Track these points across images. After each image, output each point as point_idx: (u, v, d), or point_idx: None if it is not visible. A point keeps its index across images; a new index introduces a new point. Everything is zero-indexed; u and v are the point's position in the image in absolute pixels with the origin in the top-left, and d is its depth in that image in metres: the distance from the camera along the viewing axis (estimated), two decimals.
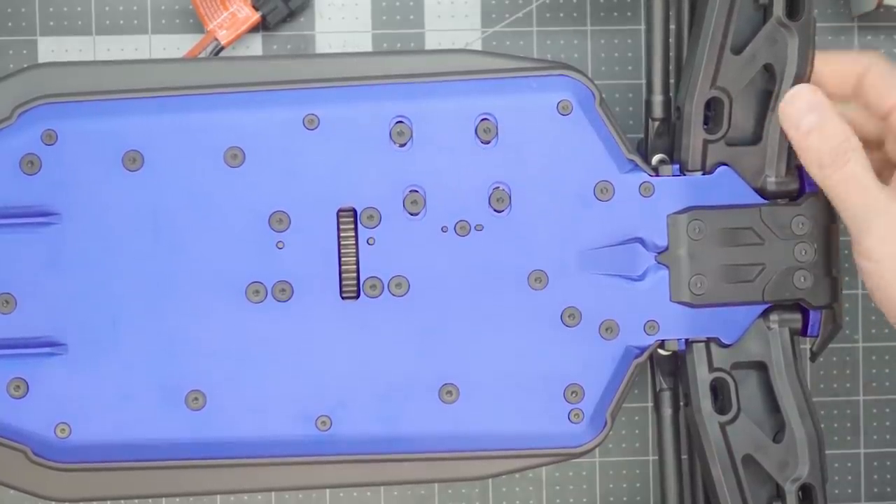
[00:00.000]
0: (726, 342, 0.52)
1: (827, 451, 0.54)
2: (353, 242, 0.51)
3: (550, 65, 0.52)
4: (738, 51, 0.52)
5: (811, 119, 0.46)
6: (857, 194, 0.47)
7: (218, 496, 0.61)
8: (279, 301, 0.51)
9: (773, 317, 0.53)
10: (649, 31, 0.54)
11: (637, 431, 0.61)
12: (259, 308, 0.51)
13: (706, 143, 0.52)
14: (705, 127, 0.52)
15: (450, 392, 0.51)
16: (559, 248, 0.52)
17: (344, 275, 0.51)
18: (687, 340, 0.52)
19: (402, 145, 0.51)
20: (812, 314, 0.52)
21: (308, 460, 0.52)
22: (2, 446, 0.51)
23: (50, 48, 0.60)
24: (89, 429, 0.51)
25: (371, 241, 0.51)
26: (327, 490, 0.61)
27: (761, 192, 0.52)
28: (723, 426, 0.52)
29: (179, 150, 0.51)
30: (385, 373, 0.51)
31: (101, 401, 0.51)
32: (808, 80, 0.51)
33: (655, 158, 0.53)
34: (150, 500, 0.59)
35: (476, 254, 0.52)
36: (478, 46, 0.60)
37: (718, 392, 0.53)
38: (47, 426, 0.51)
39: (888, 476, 0.62)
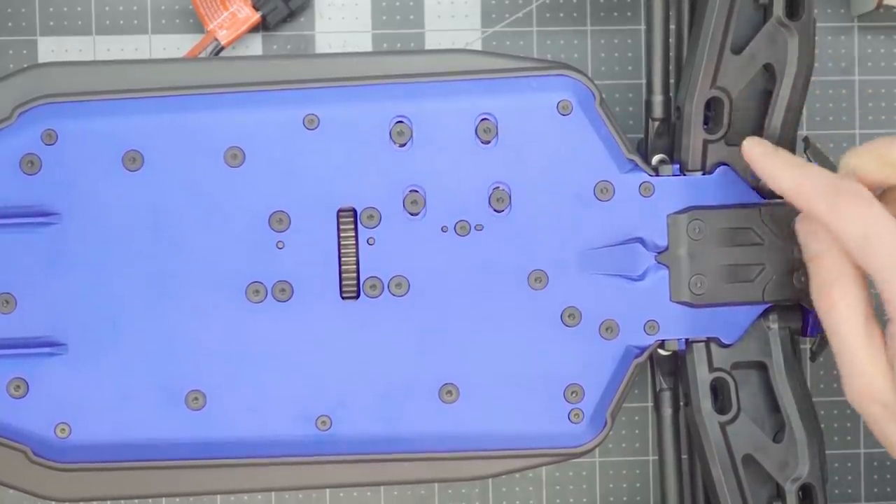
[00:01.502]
0: (726, 342, 0.52)
1: (827, 451, 0.54)
2: (353, 242, 0.51)
3: (550, 65, 0.52)
4: (738, 51, 0.52)
5: (813, 248, 0.47)
6: (840, 341, 0.47)
7: (218, 496, 0.61)
8: (279, 301, 0.51)
9: (773, 317, 0.53)
10: (649, 31, 0.54)
11: (637, 431, 0.61)
12: (259, 308, 0.51)
13: (706, 143, 0.52)
14: (705, 127, 0.52)
15: (450, 392, 0.51)
16: (559, 248, 0.52)
17: (344, 275, 0.51)
18: (687, 340, 0.52)
19: (402, 145, 0.51)
20: (812, 314, 0.52)
21: (308, 460, 0.52)
22: (2, 446, 0.51)
23: (50, 48, 0.60)
24: (89, 429, 0.51)
25: (371, 241, 0.51)
26: (327, 490, 0.61)
27: (761, 192, 0.52)
28: (723, 426, 0.52)
29: (179, 150, 0.51)
30: (385, 373, 0.51)
31: (101, 401, 0.51)
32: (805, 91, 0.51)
33: (655, 158, 0.53)
34: (150, 500, 0.59)
35: (476, 254, 0.52)
36: (478, 46, 0.60)
37: (718, 392, 0.53)
38: (47, 426, 0.51)
39: (888, 476, 0.62)
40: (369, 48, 0.60)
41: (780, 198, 0.52)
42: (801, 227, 0.48)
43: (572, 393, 0.52)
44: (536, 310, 0.52)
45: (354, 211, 0.51)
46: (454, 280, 0.52)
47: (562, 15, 0.61)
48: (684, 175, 0.52)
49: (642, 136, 0.55)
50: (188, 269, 0.51)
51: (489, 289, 0.52)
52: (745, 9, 0.52)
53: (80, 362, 0.51)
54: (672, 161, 0.53)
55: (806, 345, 0.57)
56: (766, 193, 0.52)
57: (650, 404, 0.61)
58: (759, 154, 0.49)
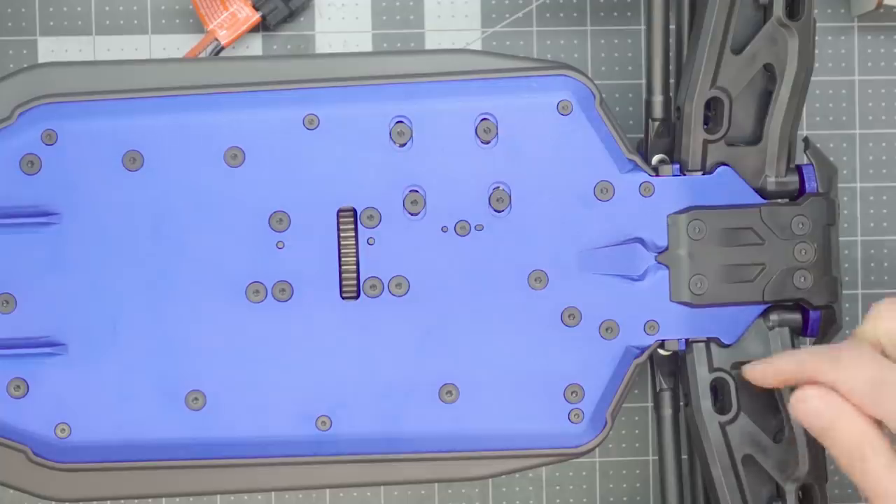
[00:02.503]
0: (726, 342, 0.52)
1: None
2: (353, 242, 0.51)
3: (550, 65, 0.52)
4: (738, 51, 0.52)
5: (821, 423, 0.46)
6: (879, 490, 0.45)
7: (218, 496, 0.61)
8: (279, 301, 0.51)
9: (773, 317, 0.53)
10: (649, 31, 0.54)
11: (637, 431, 0.61)
12: (259, 308, 0.51)
13: (706, 143, 0.52)
14: (705, 127, 0.52)
15: (450, 392, 0.51)
16: (559, 248, 0.52)
17: (344, 275, 0.51)
18: (687, 340, 0.52)
19: (402, 145, 0.51)
20: (812, 314, 0.52)
21: (308, 460, 0.52)
22: (2, 446, 0.51)
23: (50, 48, 0.60)
24: (89, 429, 0.51)
25: (371, 241, 0.51)
26: (327, 490, 0.61)
27: (761, 192, 0.52)
28: (723, 426, 0.52)
29: (179, 150, 0.51)
30: (385, 373, 0.51)
31: (101, 401, 0.51)
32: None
33: (655, 158, 0.53)
34: (150, 500, 0.59)
35: (476, 254, 0.52)
36: (478, 46, 0.60)
37: (718, 392, 0.53)
38: (47, 426, 0.51)
39: None
40: (369, 48, 0.60)
41: (780, 199, 0.53)
42: (798, 407, 0.46)
43: (572, 393, 0.52)
44: (536, 310, 0.52)
45: (354, 211, 0.51)
46: (454, 280, 0.52)
47: (562, 15, 0.61)
48: (684, 175, 0.52)
49: (642, 136, 0.55)
50: (188, 268, 0.51)
51: (489, 289, 0.52)
52: (745, 9, 0.52)
53: (80, 362, 0.51)
54: (672, 161, 0.53)
55: (806, 345, 0.57)
56: (766, 194, 0.52)
57: (650, 404, 0.61)
58: (754, 368, 0.50)
